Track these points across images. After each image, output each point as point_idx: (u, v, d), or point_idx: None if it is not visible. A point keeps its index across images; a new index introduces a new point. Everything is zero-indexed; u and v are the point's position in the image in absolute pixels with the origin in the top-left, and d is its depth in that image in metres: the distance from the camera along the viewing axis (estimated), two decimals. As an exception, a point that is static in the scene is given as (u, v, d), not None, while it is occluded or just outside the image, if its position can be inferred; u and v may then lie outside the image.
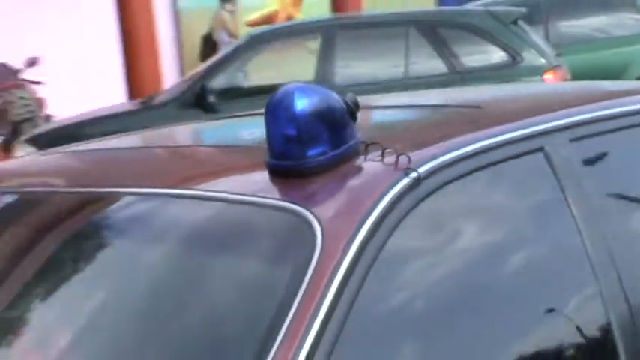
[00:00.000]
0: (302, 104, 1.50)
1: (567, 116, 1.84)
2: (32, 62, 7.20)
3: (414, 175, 1.48)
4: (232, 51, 6.80)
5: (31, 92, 7.29)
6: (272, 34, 6.98)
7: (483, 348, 1.56)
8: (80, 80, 7.32)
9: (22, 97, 7.10)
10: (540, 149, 1.74)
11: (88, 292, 1.59)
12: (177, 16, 9.18)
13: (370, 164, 1.58)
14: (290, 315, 1.35)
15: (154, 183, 1.68)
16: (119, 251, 1.63)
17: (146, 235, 1.60)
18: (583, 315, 1.69)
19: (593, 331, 1.68)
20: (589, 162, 1.84)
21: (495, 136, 1.73)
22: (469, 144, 1.68)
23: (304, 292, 1.38)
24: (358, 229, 1.46)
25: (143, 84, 7.23)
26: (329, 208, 1.52)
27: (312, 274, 1.41)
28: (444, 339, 1.57)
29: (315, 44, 6.69)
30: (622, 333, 1.62)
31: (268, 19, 9.59)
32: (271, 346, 1.30)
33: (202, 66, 6.89)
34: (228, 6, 9.03)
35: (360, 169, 1.59)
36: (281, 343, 1.31)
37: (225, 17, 8.94)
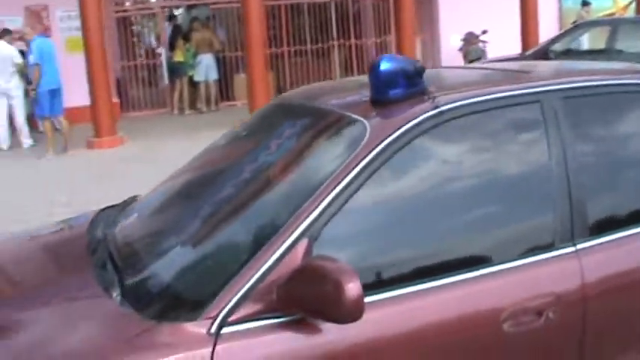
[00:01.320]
0: (384, 66, 2.27)
1: (561, 83, 2.52)
2: (484, 31, 13.20)
3: (437, 109, 2.21)
4: (568, 30, 12.22)
5: (480, 48, 13.39)
6: (593, 23, 12.44)
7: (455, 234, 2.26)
8: (500, 42, 13.13)
9: (474, 51, 13.15)
10: (537, 101, 2.40)
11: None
12: (560, 12, 15.39)
13: (417, 101, 2.26)
14: (336, 172, 2.11)
15: None
16: None
17: None
18: (536, 222, 2.38)
19: (541, 234, 2.35)
20: (573, 114, 2.42)
21: (507, 91, 2.43)
22: (485, 94, 2.37)
23: (347, 162, 2.13)
24: (391, 134, 2.18)
25: (529, 45, 12.84)
26: (379, 120, 2.27)
27: (357, 152, 2.15)
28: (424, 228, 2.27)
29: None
30: (561, 239, 2.30)
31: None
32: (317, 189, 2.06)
33: (552, 37, 12.27)
34: (586, 8, 14.63)
35: (411, 104, 2.26)
36: (325, 189, 2.06)
37: (583, 14, 14.47)
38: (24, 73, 10.64)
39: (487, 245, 2.37)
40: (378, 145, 2.19)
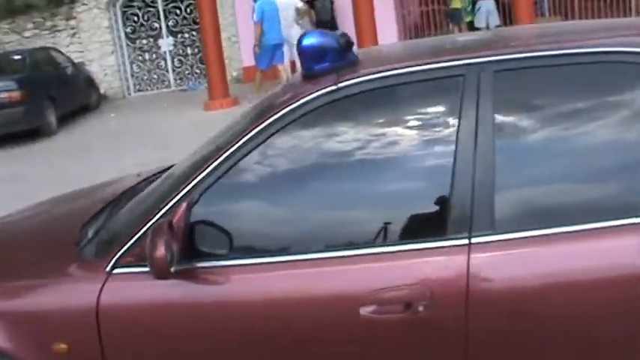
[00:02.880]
0: (306, 41, 2.30)
1: (489, 55, 2.18)
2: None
3: (335, 85, 2.18)
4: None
5: None
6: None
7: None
8: None
9: None
10: (461, 75, 2.14)
11: None
12: None
13: (326, 77, 2.23)
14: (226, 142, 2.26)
15: None
16: None
17: None
18: (428, 208, 2.13)
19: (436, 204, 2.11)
20: (501, 91, 2.11)
21: (420, 65, 2.22)
22: (395, 69, 2.23)
23: (239, 132, 2.24)
24: (293, 103, 2.22)
25: None
26: (289, 95, 2.31)
27: (248, 125, 2.27)
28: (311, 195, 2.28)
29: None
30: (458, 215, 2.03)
31: None
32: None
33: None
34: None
35: (321, 80, 2.24)
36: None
37: None
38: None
39: (363, 227, 2.22)
40: (267, 119, 2.23)
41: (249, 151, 2.24)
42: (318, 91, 2.23)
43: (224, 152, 2.25)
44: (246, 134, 2.24)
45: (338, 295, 2.12)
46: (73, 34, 15.64)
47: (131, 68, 16.15)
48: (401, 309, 2.05)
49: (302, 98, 2.23)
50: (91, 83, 14.47)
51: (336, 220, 2.26)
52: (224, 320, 2.18)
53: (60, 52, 14.16)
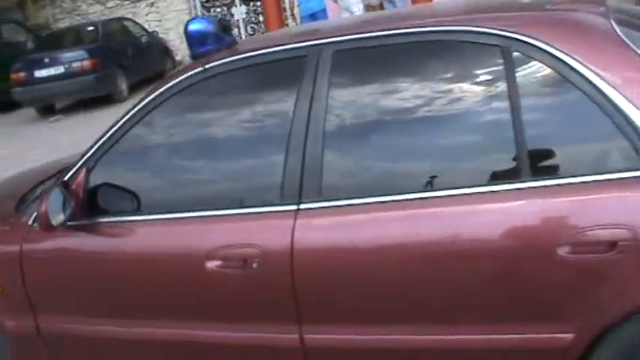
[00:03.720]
0: (191, 27, 2.59)
1: (329, 37, 2.39)
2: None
3: (203, 67, 2.48)
4: None
5: None
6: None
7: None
8: None
9: None
10: (305, 56, 2.37)
11: None
12: None
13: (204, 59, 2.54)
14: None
15: None
16: None
17: None
18: (267, 177, 2.42)
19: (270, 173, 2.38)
20: (339, 70, 2.30)
21: (271, 47, 2.48)
22: (250, 51, 2.51)
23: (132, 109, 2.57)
24: (171, 81, 2.56)
25: None
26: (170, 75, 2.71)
27: (139, 102, 2.58)
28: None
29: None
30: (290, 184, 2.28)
31: None
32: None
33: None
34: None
35: (198, 60, 2.58)
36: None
37: None
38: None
39: (213, 192, 2.57)
40: (150, 95, 2.59)
41: (135, 124, 2.58)
42: (191, 70, 2.55)
43: (116, 124, 2.62)
44: (134, 108, 2.60)
45: (187, 249, 2.47)
46: (152, 4, 16.32)
47: (206, 36, 16.63)
48: (240, 264, 2.37)
49: (178, 77, 2.57)
50: (166, 51, 15.12)
51: (191, 185, 2.61)
52: (99, 267, 2.64)
53: (134, 21, 14.87)
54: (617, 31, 2.13)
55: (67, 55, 12.13)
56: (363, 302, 2.25)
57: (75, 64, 11.85)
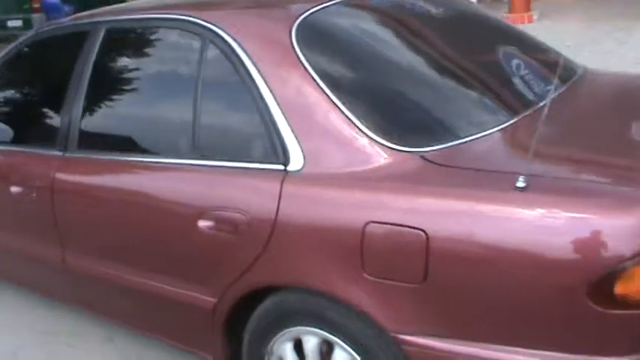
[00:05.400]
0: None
1: (107, 15, 2.74)
2: None
3: (36, 31, 3.04)
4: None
5: None
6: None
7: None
8: None
9: None
10: (88, 31, 2.72)
11: None
12: None
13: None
14: None
15: None
16: None
17: None
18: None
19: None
20: (102, 44, 2.63)
21: (74, 20, 2.92)
22: (61, 23, 2.97)
23: None
24: (21, 39, 3.04)
25: None
26: None
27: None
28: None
29: None
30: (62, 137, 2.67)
31: None
32: None
33: None
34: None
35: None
36: None
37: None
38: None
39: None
40: (9, 48, 3.13)
41: None
42: (32, 33, 3.10)
43: None
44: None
45: None
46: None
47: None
48: (28, 192, 2.82)
49: (26, 37, 3.08)
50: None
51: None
52: None
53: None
54: (293, 37, 2.15)
55: None
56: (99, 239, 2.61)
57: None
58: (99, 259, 2.60)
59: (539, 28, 9.36)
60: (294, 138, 2.02)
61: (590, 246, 1.57)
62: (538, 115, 2.03)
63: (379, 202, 1.84)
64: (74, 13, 3.08)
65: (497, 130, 2.01)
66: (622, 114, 2.26)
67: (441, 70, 2.25)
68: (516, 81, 2.34)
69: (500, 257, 1.65)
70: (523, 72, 2.42)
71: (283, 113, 2.06)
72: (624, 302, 1.58)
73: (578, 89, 2.48)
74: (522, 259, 1.63)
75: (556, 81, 2.13)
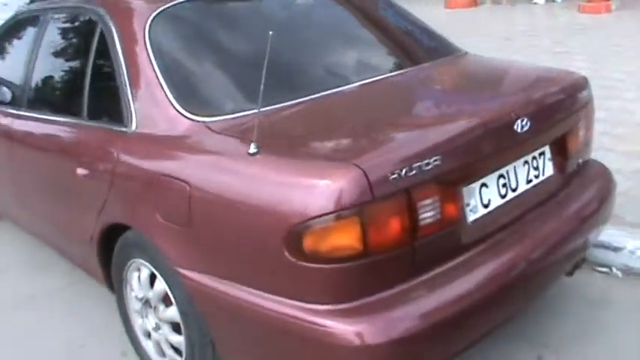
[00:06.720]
0: None
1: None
2: None
3: (15, 13, 3.79)
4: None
5: None
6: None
7: None
8: None
9: None
10: (42, 16, 3.41)
11: None
12: None
13: None
14: None
15: None
16: None
17: None
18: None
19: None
20: (48, 27, 3.30)
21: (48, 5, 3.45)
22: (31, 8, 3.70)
23: None
24: (17, 13, 3.79)
25: None
26: None
27: None
28: None
29: None
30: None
31: None
32: None
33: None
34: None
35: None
36: None
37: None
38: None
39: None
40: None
41: None
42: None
43: None
44: None
45: None
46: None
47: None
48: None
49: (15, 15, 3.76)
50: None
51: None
52: None
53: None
54: (147, 24, 2.58)
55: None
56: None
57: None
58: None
59: (611, 19, 9.13)
60: (132, 106, 2.49)
61: (287, 202, 1.89)
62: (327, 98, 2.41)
63: (167, 159, 2.29)
64: None
65: (274, 109, 2.30)
66: (438, 97, 2.53)
67: (240, 58, 2.58)
68: (317, 63, 2.65)
69: (234, 207, 2.03)
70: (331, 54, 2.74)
71: (130, 85, 2.51)
72: (313, 257, 1.87)
73: (426, 71, 2.76)
74: (247, 209, 1.99)
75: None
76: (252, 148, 2.02)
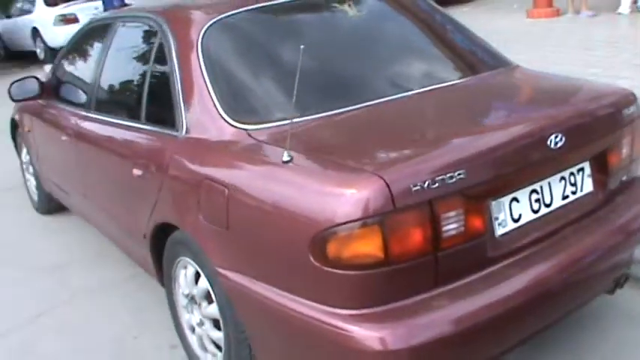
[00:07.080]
0: None
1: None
2: None
3: (90, 21, 4.17)
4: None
5: None
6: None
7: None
8: None
9: None
10: (112, 25, 3.64)
11: None
12: None
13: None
14: None
15: None
16: None
17: None
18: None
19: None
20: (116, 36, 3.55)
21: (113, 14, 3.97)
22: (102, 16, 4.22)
23: None
24: (84, 25, 4.24)
25: None
26: None
27: None
28: None
29: None
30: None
31: None
32: None
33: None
34: None
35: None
36: None
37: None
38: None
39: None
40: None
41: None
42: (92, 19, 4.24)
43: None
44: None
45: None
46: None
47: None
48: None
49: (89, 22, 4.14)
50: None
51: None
52: None
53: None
54: (201, 35, 2.72)
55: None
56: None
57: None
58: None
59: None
60: (183, 111, 2.64)
61: (312, 209, 1.98)
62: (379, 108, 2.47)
63: (210, 164, 2.42)
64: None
65: (314, 118, 2.39)
66: (481, 111, 2.55)
67: (285, 68, 2.60)
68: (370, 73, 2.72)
69: (266, 212, 2.13)
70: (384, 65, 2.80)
71: (182, 92, 2.66)
72: (336, 263, 1.94)
73: (469, 87, 2.78)
74: (278, 214, 2.09)
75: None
76: (285, 156, 2.11)
